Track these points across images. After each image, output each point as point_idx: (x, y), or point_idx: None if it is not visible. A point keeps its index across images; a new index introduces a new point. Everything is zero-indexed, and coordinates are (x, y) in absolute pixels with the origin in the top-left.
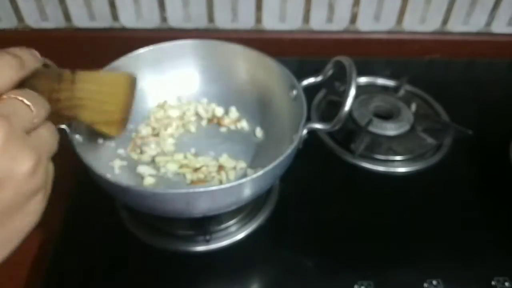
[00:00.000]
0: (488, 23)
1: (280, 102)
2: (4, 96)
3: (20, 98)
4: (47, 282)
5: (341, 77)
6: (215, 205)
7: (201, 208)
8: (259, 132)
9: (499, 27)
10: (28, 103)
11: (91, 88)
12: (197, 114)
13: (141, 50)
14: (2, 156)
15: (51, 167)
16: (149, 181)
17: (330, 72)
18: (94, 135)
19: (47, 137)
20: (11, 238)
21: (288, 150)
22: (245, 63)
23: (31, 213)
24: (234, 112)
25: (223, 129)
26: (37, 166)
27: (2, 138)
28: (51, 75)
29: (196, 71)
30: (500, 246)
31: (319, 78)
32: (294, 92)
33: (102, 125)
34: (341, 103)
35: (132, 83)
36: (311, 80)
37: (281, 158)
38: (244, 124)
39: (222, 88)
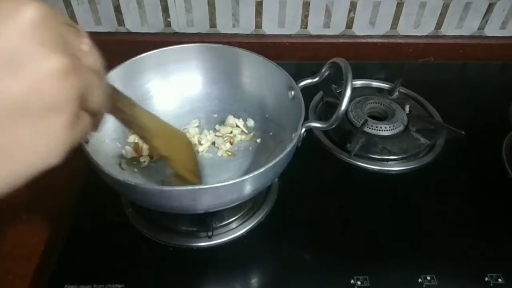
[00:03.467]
0: (481, 27)
1: (279, 103)
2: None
3: (74, 25)
4: (54, 278)
5: (337, 80)
6: (218, 201)
7: (206, 204)
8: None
9: (492, 30)
10: (83, 34)
11: (151, 124)
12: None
13: (145, 54)
14: (29, 34)
15: (86, 117)
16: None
17: (326, 73)
18: (101, 134)
19: (93, 78)
20: (16, 151)
21: (288, 147)
22: (246, 66)
23: (46, 133)
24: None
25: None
26: (68, 75)
27: (36, 15)
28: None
29: (198, 74)
30: (493, 243)
31: (315, 79)
32: (292, 92)
33: (185, 171)
34: (338, 104)
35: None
36: (308, 81)
37: (281, 156)
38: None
39: (224, 90)
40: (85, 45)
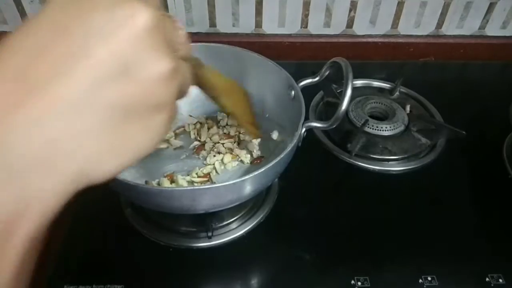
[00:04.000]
0: (482, 27)
1: (279, 102)
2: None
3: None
4: (52, 279)
5: (337, 79)
6: (218, 201)
7: (206, 204)
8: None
9: (492, 30)
10: (180, 25)
11: (218, 82)
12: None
13: None
14: (143, 43)
15: (176, 106)
16: None
17: (327, 73)
18: None
19: (186, 70)
20: (121, 146)
21: (288, 147)
22: (246, 66)
23: (151, 129)
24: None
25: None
26: (172, 77)
27: (149, 23)
28: None
29: None
30: (494, 243)
31: (316, 79)
32: (292, 92)
33: (247, 124)
34: (338, 103)
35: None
36: (309, 80)
37: (282, 156)
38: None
39: None
40: (182, 37)
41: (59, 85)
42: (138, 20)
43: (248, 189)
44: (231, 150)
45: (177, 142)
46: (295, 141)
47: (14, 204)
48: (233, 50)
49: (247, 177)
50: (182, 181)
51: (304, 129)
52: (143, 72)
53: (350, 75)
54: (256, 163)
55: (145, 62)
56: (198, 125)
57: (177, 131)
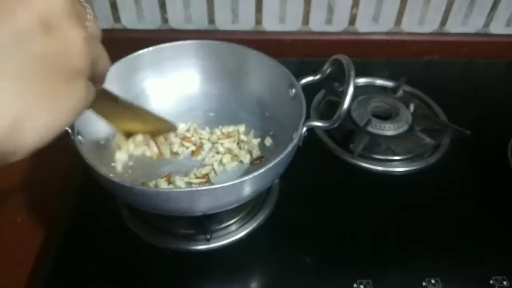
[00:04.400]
0: (486, 24)
1: (279, 101)
2: None
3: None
4: (49, 281)
5: (339, 78)
6: (217, 203)
7: (204, 206)
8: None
9: (497, 28)
10: (87, 5)
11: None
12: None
13: (142, 51)
14: (59, 6)
15: (91, 84)
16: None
17: (328, 71)
18: (95, 136)
19: (99, 47)
20: (55, 103)
21: (289, 147)
22: (245, 63)
23: (75, 92)
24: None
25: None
26: (85, 44)
27: None
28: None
29: (196, 72)
30: (499, 245)
31: (317, 77)
32: (293, 90)
33: (154, 130)
34: (340, 102)
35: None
36: (310, 78)
37: (282, 156)
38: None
39: (222, 87)
40: (90, 15)
41: None
42: None
43: (247, 190)
44: (230, 151)
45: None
46: (295, 141)
47: None
48: (232, 47)
49: (246, 178)
50: (180, 182)
51: (305, 129)
52: (61, 33)
53: (352, 73)
54: (255, 163)
55: (63, 25)
56: (193, 128)
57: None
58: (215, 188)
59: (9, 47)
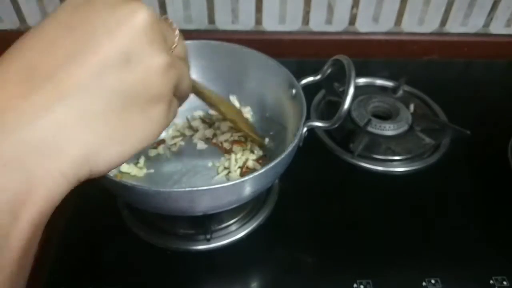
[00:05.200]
0: (486, 24)
1: (280, 101)
2: None
3: (170, 20)
4: (49, 281)
5: (340, 78)
6: (218, 203)
7: (204, 205)
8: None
9: (497, 28)
10: (174, 26)
11: (214, 95)
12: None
13: None
14: (142, 38)
15: (176, 102)
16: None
17: (328, 71)
18: None
19: (183, 67)
20: (123, 134)
21: (289, 148)
22: (245, 63)
23: (152, 119)
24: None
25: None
26: (169, 70)
27: (147, 20)
28: None
29: (196, 72)
30: (498, 245)
31: (317, 77)
32: (293, 91)
33: (249, 131)
34: (340, 102)
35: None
36: (310, 79)
37: (282, 156)
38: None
39: (222, 88)
40: (176, 37)
41: (65, 73)
42: (137, 18)
43: (248, 190)
44: (242, 144)
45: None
46: (296, 141)
47: (20, 187)
48: (232, 47)
49: (247, 177)
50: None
51: (305, 129)
52: (142, 64)
53: (353, 73)
54: (258, 163)
55: (144, 55)
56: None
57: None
58: (216, 188)
59: (89, 87)
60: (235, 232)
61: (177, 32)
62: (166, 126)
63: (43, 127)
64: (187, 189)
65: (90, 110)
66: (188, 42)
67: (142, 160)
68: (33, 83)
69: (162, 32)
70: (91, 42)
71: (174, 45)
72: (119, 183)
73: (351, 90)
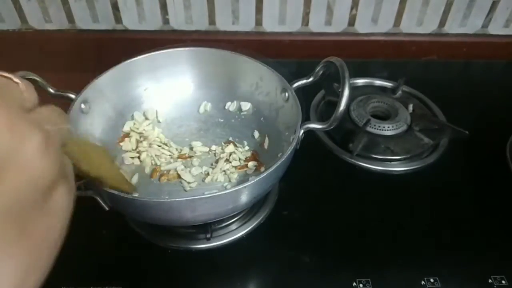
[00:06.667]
0: (485, 25)
1: (274, 105)
2: None
3: (6, 74)
4: (51, 279)
5: (338, 78)
6: (219, 210)
7: (206, 214)
8: (256, 134)
9: (495, 28)
10: (17, 80)
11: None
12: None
13: (135, 58)
14: (3, 134)
15: (66, 158)
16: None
17: (320, 73)
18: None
19: (50, 114)
20: (40, 252)
21: (288, 151)
22: (238, 69)
23: (54, 212)
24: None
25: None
26: (47, 144)
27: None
28: None
29: (190, 78)
30: (497, 245)
31: (310, 79)
32: (287, 94)
33: (118, 183)
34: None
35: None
36: (303, 81)
37: (280, 160)
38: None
39: (216, 93)
40: (29, 97)
41: None
42: None
43: (249, 196)
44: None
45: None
46: (293, 144)
47: None
48: (224, 54)
49: (247, 184)
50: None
51: (302, 131)
52: (19, 162)
53: (347, 75)
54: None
55: (13, 150)
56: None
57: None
58: (218, 195)
59: None
60: (235, 231)
61: (26, 93)
62: (70, 207)
63: None
64: (188, 198)
65: None
66: (181, 49)
67: None
68: None
69: (20, 113)
70: None
71: (33, 108)
72: (118, 196)
73: (346, 92)
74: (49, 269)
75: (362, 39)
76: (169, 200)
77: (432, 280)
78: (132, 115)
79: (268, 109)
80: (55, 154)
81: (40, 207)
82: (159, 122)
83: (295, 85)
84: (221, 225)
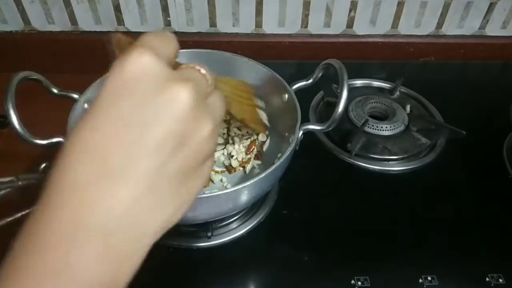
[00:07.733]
0: (482, 26)
1: (274, 106)
2: (183, 66)
3: (197, 67)
4: None
5: (338, 79)
6: (220, 209)
7: (206, 213)
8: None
9: (493, 30)
10: (203, 72)
11: (225, 88)
12: None
13: None
14: (189, 117)
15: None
16: None
17: (320, 75)
18: None
19: (218, 104)
20: (187, 199)
21: (287, 152)
22: (237, 70)
23: (203, 176)
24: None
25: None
26: (214, 131)
27: (190, 100)
28: None
29: None
30: (494, 243)
31: (309, 81)
32: (286, 96)
33: (251, 122)
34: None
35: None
36: (302, 83)
37: (281, 160)
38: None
39: None
40: (210, 86)
41: (132, 165)
42: (179, 102)
43: (248, 195)
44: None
45: None
46: (293, 145)
47: (109, 268)
48: (223, 55)
49: (247, 183)
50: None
51: (301, 132)
52: (193, 140)
53: (345, 77)
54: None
55: (193, 131)
56: None
57: None
58: (218, 195)
59: (154, 175)
60: (236, 230)
61: (208, 77)
62: (209, 175)
63: (119, 205)
64: None
65: (157, 200)
66: (182, 51)
67: None
68: (105, 181)
69: (203, 100)
70: (145, 137)
71: (210, 89)
72: None
73: (344, 93)
74: (184, 213)
75: (360, 41)
76: None
77: (429, 278)
78: None
79: (268, 110)
80: (215, 138)
81: (197, 171)
82: None
83: (295, 87)
84: (221, 224)
